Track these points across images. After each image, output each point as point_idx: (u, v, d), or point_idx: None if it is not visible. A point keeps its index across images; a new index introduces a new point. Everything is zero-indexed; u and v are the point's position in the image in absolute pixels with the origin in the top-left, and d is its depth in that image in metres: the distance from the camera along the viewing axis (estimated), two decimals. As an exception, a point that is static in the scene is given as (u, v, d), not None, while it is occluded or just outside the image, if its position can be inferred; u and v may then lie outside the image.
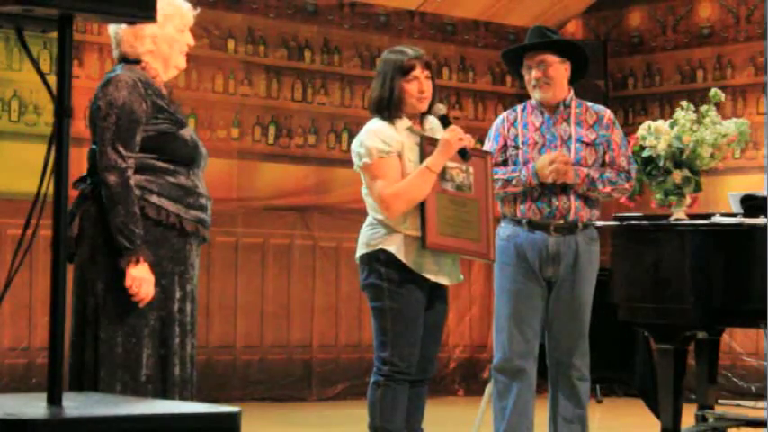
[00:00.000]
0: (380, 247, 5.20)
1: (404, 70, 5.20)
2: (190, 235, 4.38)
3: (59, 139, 2.93)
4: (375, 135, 5.20)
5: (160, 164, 4.35)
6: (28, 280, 8.15)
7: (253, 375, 9.51)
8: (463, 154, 5.20)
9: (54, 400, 2.85)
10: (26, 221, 3.09)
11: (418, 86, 5.20)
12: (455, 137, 5.16)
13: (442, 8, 10.50)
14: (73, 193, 4.30)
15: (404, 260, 5.17)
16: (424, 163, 5.15)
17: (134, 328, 4.27)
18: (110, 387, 4.22)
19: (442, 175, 5.20)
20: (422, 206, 5.16)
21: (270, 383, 9.55)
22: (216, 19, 9.39)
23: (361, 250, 5.29)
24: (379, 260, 5.21)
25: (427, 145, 5.19)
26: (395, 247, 5.18)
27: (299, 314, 9.75)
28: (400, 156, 5.20)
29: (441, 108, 5.29)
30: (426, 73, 5.22)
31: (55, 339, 2.90)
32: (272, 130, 9.73)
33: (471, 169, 5.29)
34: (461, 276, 5.39)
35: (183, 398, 4.33)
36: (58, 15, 2.93)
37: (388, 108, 5.21)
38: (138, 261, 4.22)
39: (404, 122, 5.23)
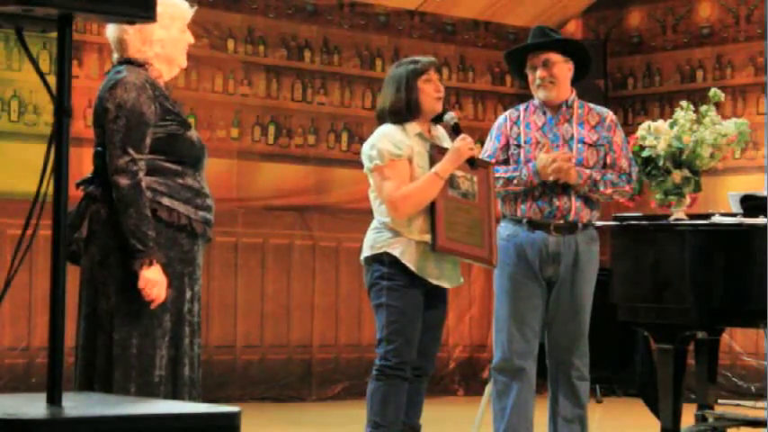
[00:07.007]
0: (385, 250, 5.34)
1: (418, 73, 5.34)
2: (198, 236, 4.39)
3: (59, 139, 2.93)
4: (387, 138, 5.34)
5: (169, 165, 4.35)
6: (28, 280, 8.14)
7: (253, 375, 9.50)
8: (471, 162, 5.38)
9: (54, 400, 2.85)
10: (26, 221, 3.09)
11: (434, 87, 5.36)
12: (466, 146, 5.33)
13: (442, 8, 10.50)
14: (77, 194, 4.31)
15: (407, 263, 5.29)
16: (434, 169, 5.30)
17: (147, 329, 4.27)
18: (124, 389, 4.21)
19: (450, 182, 5.34)
20: (432, 211, 5.29)
21: (270, 383, 9.55)
22: (216, 19, 9.39)
23: (365, 252, 5.42)
24: (382, 262, 5.34)
25: (436, 153, 5.36)
26: (399, 250, 5.31)
27: (299, 314, 9.74)
28: (410, 160, 5.34)
29: (452, 117, 5.45)
30: (437, 76, 5.40)
31: (55, 339, 2.90)
32: (271, 129, 9.72)
33: (475, 178, 5.43)
34: (461, 279, 5.52)
35: (191, 398, 4.34)
36: (57, 15, 2.93)
37: (408, 110, 5.33)
38: (150, 263, 4.23)
39: (414, 128, 5.37)
